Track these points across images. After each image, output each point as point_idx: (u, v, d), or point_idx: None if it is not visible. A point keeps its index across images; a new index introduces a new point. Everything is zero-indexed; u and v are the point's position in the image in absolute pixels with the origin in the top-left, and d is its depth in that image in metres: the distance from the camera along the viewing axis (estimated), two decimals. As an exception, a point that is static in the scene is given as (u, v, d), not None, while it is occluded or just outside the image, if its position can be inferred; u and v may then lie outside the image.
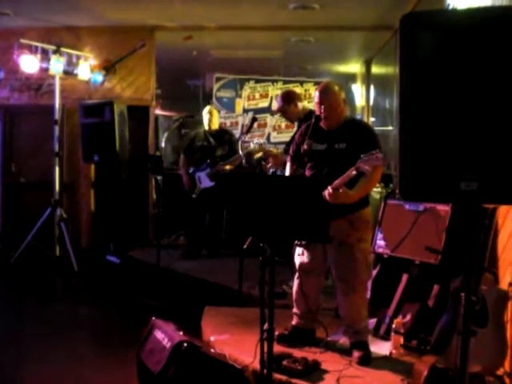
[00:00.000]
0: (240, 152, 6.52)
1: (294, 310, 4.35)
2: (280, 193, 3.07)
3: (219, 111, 9.91)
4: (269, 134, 10.10)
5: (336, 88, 4.08)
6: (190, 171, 7.29)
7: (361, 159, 3.65)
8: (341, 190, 3.72)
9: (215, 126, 7.41)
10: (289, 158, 4.36)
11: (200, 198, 7.28)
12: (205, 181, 7.22)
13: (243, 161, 6.83)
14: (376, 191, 6.80)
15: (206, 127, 7.39)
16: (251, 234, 3.67)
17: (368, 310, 4.20)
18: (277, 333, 3.93)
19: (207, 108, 7.51)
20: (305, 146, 4.01)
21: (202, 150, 7.34)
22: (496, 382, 3.43)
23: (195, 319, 4.95)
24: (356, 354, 3.98)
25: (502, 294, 3.60)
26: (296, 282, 4.31)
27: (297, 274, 4.30)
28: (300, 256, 4.24)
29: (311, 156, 4.08)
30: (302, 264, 4.22)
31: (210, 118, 7.33)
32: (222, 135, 7.44)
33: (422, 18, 2.33)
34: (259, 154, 7.37)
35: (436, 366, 3.41)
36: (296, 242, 4.09)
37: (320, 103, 4.02)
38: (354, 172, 3.69)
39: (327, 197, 3.70)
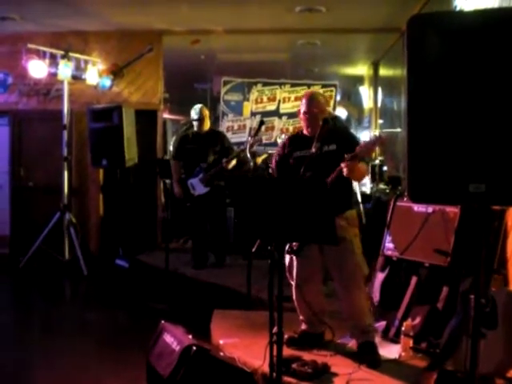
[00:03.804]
0: (248, 155, 6.50)
1: (301, 317, 4.37)
2: (287, 195, 3.07)
3: (227, 114, 9.93)
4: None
5: (320, 97, 4.40)
6: (182, 177, 7.05)
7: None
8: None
9: (207, 127, 7.06)
10: (270, 171, 4.47)
11: (197, 206, 7.04)
12: (199, 187, 6.92)
13: (251, 163, 6.81)
14: (384, 193, 6.81)
15: (196, 129, 7.05)
16: (260, 237, 3.67)
17: (377, 312, 4.19)
18: (286, 336, 3.93)
19: (198, 108, 7.01)
20: (313, 149, 4.03)
21: (192, 154, 6.98)
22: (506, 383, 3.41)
23: (204, 323, 4.95)
24: (365, 357, 3.97)
25: (511, 295, 3.58)
26: (294, 291, 4.30)
27: (293, 283, 4.28)
28: (294, 263, 4.22)
29: (300, 162, 4.09)
30: (298, 271, 4.21)
31: (203, 120, 6.94)
32: (214, 136, 7.11)
33: (429, 20, 2.33)
34: (260, 159, 7.38)
35: (445, 369, 3.40)
36: (287, 249, 4.02)
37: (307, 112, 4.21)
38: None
39: (345, 168, 3.78)
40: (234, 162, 6.81)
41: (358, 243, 4.16)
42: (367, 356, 3.97)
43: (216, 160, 6.87)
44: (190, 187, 6.99)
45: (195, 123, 7.04)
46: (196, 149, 6.98)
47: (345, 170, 3.79)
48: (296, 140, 4.34)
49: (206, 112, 7.08)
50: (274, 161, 4.50)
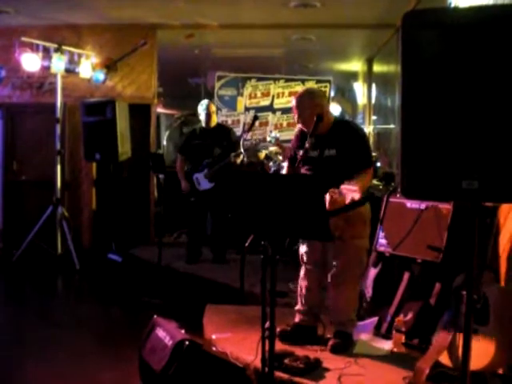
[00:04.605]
0: (241, 149, 6.50)
1: (297, 306, 4.38)
2: (281, 191, 3.06)
3: (221, 109, 9.92)
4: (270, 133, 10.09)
5: (306, 96, 4.18)
6: (188, 170, 7.04)
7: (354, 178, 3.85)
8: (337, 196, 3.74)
9: (214, 122, 7.07)
10: (287, 161, 4.48)
11: (200, 201, 7.02)
12: (203, 182, 6.92)
13: (245, 158, 6.80)
14: (377, 189, 6.80)
15: (204, 124, 7.03)
16: (253, 232, 3.68)
17: (369, 308, 4.20)
18: (278, 329, 3.95)
19: (205, 104, 7.04)
20: (306, 145, 4.03)
21: (198, 149, 6.99)
22: (498, 380, 3.42)
23: (197, 317, 4.95)
24: (331, 341, 4.09)
25: (503, 291, 3.60)
26: (301, 276, 4.38)
27: (302, 269, 4.36)
28: (302, 247, 4.34)
29: (306, 162, 4.12)
30: (303, 255, 4.34)
31: (210, 115, 6.96)
32: (220, 132, 7.11)
33: (423, 16, 2.33)
34: (263, 154, 7.37)
35: (438, 364, 3.41)
36: None
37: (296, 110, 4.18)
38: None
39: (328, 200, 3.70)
40: (242, 157, 6.79)
41: (356, 244, 4.13)
42: (333, 340, 4.09)
43: (221, 155, 6.85)
44: (196, 182, 6.98)
45: (202, 119, 7.02)
46: (202, 144, 6.98)
47: (327, 205, 3.61)
48: (302, 137, 4.22)
49: (213, 108, 7.09)
50: (288, 152, 4.53)
